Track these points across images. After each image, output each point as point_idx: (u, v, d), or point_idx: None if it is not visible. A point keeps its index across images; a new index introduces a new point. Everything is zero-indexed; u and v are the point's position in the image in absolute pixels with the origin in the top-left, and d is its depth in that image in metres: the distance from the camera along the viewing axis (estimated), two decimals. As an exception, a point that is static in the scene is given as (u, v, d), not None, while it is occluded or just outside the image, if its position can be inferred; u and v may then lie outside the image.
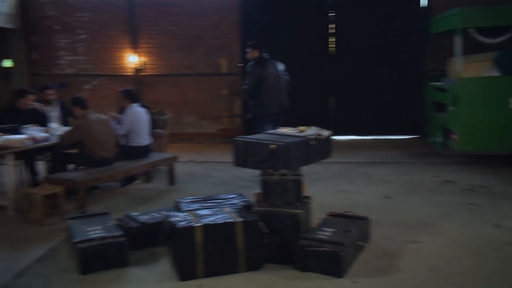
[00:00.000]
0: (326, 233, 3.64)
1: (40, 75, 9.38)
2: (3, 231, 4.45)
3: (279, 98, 6.16)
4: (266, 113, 6.11)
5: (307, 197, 4.03)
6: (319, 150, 4.13)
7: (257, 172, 4.07)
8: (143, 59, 9.27)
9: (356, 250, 3.70)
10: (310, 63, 9.11)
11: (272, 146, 3.73)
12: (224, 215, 3.61)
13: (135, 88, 7.04)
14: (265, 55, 6.18)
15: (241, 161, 4.01)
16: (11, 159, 4.99)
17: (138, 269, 3.64)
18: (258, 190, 4.10)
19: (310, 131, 4.24)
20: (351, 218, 4.09)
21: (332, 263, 3.38)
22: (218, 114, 9.30)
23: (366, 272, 3.48)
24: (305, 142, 3.96)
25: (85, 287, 3.35)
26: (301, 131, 4.24)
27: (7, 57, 9.17)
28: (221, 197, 4.42)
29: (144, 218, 4.12)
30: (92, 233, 3.73)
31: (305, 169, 4.06)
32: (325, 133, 4.22)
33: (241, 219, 3.52)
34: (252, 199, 4.43)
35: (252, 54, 6.15)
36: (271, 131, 4.31)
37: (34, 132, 5.31)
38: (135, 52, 9.22)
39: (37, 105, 5.99)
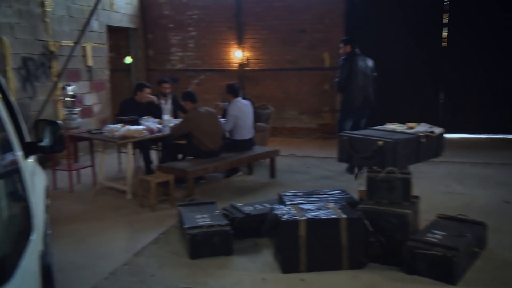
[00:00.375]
0: (437, 236, 3.43)
1: (154, 70, 10.14)
2: (123, 213, 4.91)
3: (365, 92, 6.33)
4: (351, 107, 6.33)
5: (416, 197, 3.84)
6: (429, 148, 3.92)
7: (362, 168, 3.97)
8: (247, 54, 9.54)
9: (471, 256, 3.45)
10: (419, 56, 8.62)
11: (379, 142, 3.62)
12: (328, 210, 3.59)
13: (238, 83, 7.26)
14: (357, 50, 6.41)
15: (345, 157, 3.95)
16: (130, 148, 5.47)
17: (242, 258, 3.77)
18: (362, 187, 4.00)
19: (420, 127, 4.03)
20: (464, 222, 3.81)
21: (444, 269, 3.19)
22: (319, 109, 9.24)
23: (483, 282, 3.23)
24: (415, 139, 3.77)
25: (194, 270, 3.56)
26: (410, 128, 4.05)
27: (128, 55, 10.04)
28: (324, 192, 4.40)
29: (248, 209, 4.25)
30: (200, 220, 3.95)
31: (412, 168, 3.86)
32: (437, 130, 3.98)
33: (345, 216, 3.47)
34: (355, 196, 4.35)
35: (344, 49, 6.45)
36: (378, 127, 4.17)
37: (150, 123, 5.76)
38: (240, 48, 9.51)
39: (154, 98, 6.48)
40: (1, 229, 1.27)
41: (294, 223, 3.42)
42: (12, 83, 6.25)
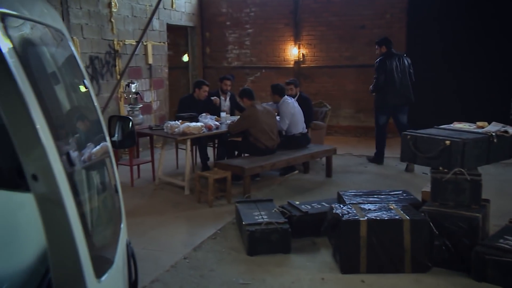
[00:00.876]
0: (510, 242, 3.24)
1: (211, 68, 10.33)
2: (182, 209, 5.05)
3: (402, 90, 6.58)
4: (386, 104, 6.64)
5: (486, 200, 3.65)
6: (501, 149, 3.71)
7: (425, 169, 3.83)
8: (303, 51, 9.48)
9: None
10: (490, 51, 8.15)
11: (446, 142, 3.48)
12: (390, 211, 3.50)
13: (297, 79, 7.26)
14: (393, 50, 6.71)
15: (409, 157, 3.83)
16: (188, 144, 5.61)
17: (299, 257, 3.77)
18: (426, 188, 3.86)
19: (492, 127, 3.82)
20: (540, 229, 3.57)
21: (518, 277, 3.01)
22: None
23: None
24: (485, 139, 3.59)
25: (252, 267, 3.60)
26: (480, 127, 3.85)
27: (186, 53, 10.31)
28: (386, 193, 4.29)
29: (306, 207, 4.24)
30: (258, 217, 3.98)
31: (480, 169, 3.67)
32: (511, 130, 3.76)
33: (409, 217, 3.37)
34: (418, 197, 4.20)
35: (380, 50, 6.76)
36: (444, 126, 4.01)
37: (208, 120, 5.88)
38: (296, 44, 9.48)
39: (216, 100, 6.59)
40: (106, 217, 1.35)
41: (355, 223, 3.37)
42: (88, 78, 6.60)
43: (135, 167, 6.08)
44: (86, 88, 1.48)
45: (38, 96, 0.91)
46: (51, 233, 0.85)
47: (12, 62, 0.87)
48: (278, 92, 6.23)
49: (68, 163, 0.96)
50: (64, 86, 1.24)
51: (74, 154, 1.09)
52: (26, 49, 1.01)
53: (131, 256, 1.62)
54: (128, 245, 1.63)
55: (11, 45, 0.89)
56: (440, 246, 3.38)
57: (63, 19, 6.18)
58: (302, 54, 9.48)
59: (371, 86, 6.84)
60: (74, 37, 6.43)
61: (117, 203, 1.58)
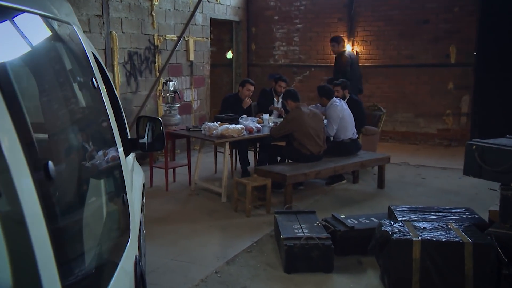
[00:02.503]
0: None
1: (256, 65, 10.30)
2: (216, 217, 5.01)
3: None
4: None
5: None
6: None
7: (494, 184, 3.57)
8: (357, 48, 9.24)
9: None
10: None
11: (519, 154, 3.21)
12: (449, 232, 3.28)
13: (342, 81, 7.05)
14: None
15: (473, 170, 3.58)
16: (227, 148, 5.57)
17: (343, 277, 3.61)
18: (494, 207, 3.59)
19: None
20: None
21: None
22: (440, 111, 8.62)
23: None
24: None
25: (289, 286, 3.49)
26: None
27: (230, 49, 10.35)
28: (445, 210, 4.04)
29: (352, 222, 4.07)
30: (298, 231, 3.86)
31: None
32: None
33: (471, 240, 3.13)
34: (484, 216, 3.92)
35: (338, 48, 7.42)
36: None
37: (249, 122, 5.82)
38: (350, 41, 9.25)
39: (248, 102, 6.53)
40: (101, 235, 1.29)
41: (406, 243, 3.18)
42: (118, 78, 6.75)
43: (170, 171, 6.12)
44: (94, 87, 1.43)
45: (8, 98, 0.84)
46: (14, 259, 0.78)
47: None
48: (325, 94, 6.08)
49: (45, 176, 0.89)
50: (58, 86, 1.18)
51: (61, 166, 1.02)
52: (5, 44, 0.95)
53: (139, 275, 1.55)
54: (138, 263, 1.56)
55: None
56: (509, 275, 3.11)
57: (102, 13, 6.35)
58: (356, 51, 9.23)
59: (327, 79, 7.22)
60: (113, 32, 6.58)
61: (123, 217, 1.52)
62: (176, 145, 6.66)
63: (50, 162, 0.90)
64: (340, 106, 6.00)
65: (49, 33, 1.17)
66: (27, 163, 0.84)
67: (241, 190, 5.19)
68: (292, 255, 3.65)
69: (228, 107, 6.33)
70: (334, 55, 7.67)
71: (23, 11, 1.05)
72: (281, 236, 3.79)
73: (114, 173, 1.52)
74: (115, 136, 1.54)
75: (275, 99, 6.85)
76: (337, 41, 7.52)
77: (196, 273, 3.69)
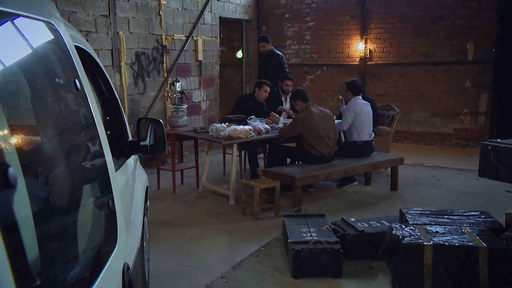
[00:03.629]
0: None
1: (266, 65, 10.25)
2: (224, 220, 4.99)
3: None
4: None
5: None
6: None
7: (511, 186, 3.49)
8: (370, 46, 9.16)
9: None
10: None
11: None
12: (463, 236, 3.21)
13: (360, 80, 6.99)
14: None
15: (489, 171, 3.51)
16: (235, 149, 5.55)
17: (352, 283, 3.56)
18: (511, 210, 3.51)
19: None
20: None
21: None
22: (457, 110, 8.49)
23: None
24: None
25: (296, 291, 3.44)
26: None
27: (240, 48, 10.33)
28: (459, 213, 3.96)
29: (362, 225, 4.02)
30: (307, 235, 3.82)
31: None
32: None
33: (486, 245, 3.06)
34: (502, 220, 3.84)
35: (267, 47, 7.35)
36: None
37: (258, 123, 5.79)
38: (363, 39, 9.17)
39: (285, 109, 6.51)
40: (79, 239, 1.27)
41: (417, 248, 3.12)
42: (125, 79, 6.77)
43: (178, 173, 6.11)
44: (77, 89, 1.40)
45: None
46: None
47: None
48: (352, 88, 6.03)
49: (4, 182, 0.86)
50: (34, 89, 1.15)
51: (28, 171, 0.99)
52: None
53: (127, 284, 1.52)
54: (126, 271, 1.54)
55: None
56: (525, 282, 3.03)
57: (109, 13, 6.38)
58: (369, 50, 9.16)
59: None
60: (120, 32, 6.61)
61: (109, 224, 1.49)
62: (183, 147, 6.66)
63: (10, 169, 0.88)
64: (361, 103, 5.95)
65: (24, 32, 1.15)
66: None
67: (249, 193, 5.16)
68: (300, 260, 3.61)
69: (243, 107, 6.34)
70: (264, 54, 7.47)
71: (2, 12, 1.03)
72: (289, 240, 3.76)
73: (99, 179, 1.49)
74: (101, 140, 1.52)
75: (282, 98, 6.81)
76: (267, 41, 7.42)
77: (201, 278, 3.67)
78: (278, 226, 4.64)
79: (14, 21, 1.11)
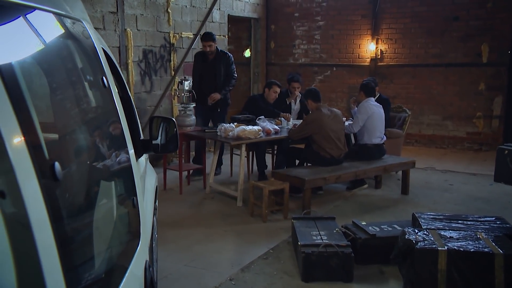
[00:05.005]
0: None
1: (275, 64, 10.29)
2: (232, 222, 5.01)
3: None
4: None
5: None
6: None
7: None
8: (382, 47, 9.16)
9: None
10: None
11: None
12: (478, 242, 3.22)
13: (376, 80, 6.99)
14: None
15: (505, 176, 3.53)
16: (243, 150, 5.57)
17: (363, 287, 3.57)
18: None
19: None
20: None
21: None
22: (470, 113, 8.48)
23: None
24: None
25: (306, 295, 3.46)
26: None
27: (248, 47, 10.35)
28: (473, 218, 3.96)
29: (373, 229, 4.03)
30: (317, 238, 3.83)
31: None
32: None
33: (502, 251, 3.06)
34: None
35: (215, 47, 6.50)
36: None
37: (267, 124, 5.82)
38: (374, 39, 9.17)
39: (287, 116, 6.51)
40: (109, 239, 1.30)
41: (431, 253, 3.13)
42: (132, 77, 6.81)
43: (184, 173, 6.14)
44: (105, 86, 1.44)
45: (13, 96, 0.85)
46: (19, 262, 0.79)
47: None
48: (365, 89, 6.03)
49: (51, 177, 0.90)
50: (66, 84, 1.19)
51: (69, 166, 1.03)
52: (9, 39, 0.97)
53: (149, 282, 1.55)
54: (148, 269, 1.57)
55: None
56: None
57: (117, 9, 6.42)
58: (380, 50, 9.16)
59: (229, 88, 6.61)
60: (128, 29, 6.65)
61: (133, 221, 1.53)
62: (191, 146, 6.69)
63: (56, 163, 0.91)
64: (373, 105, 5.96)
65: (59, 30, 1.18)
66: (33, 164, 0.85)
67: (258, 194, 5.18)
68: (310, 263, 3.62)
69: (253, 107, 6.37)
70: (212, 54, 6.51)
71: (34, 8, 1.06)
72: (299, 243, 3.77)
73: (124, 175, 1.53)
74: (126, 137, 1.55)
75: (288, 101, 6.82)
76: (214, 39, 6.52)
77: (210, 280, 3.69)
78: (286, 228, 4.66)
79: (49, 18, 1.14)
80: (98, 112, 1.41)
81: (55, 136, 1.01)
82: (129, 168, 1.53)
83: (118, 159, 1.48)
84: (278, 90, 6.54)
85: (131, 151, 1.59)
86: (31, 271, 0.81)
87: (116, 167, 1.47)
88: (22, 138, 0.84)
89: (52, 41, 1.16)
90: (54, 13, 1.16)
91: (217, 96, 6.36)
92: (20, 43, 1.01)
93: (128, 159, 1.54)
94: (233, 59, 6.73)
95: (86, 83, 1.33)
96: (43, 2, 1.10)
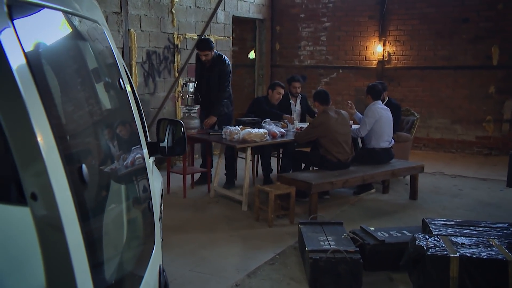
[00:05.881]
0: None
1: (280, 66, 10.29)
2: (237, 226, 5.00)
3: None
4: None
5: None
6: None
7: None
8: (389, 49, 9.16)
9: None
10: None
11: None
12: (490, 249, 3.20)
13: (384, 83, 6.98)
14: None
15: (517, 181, 3.49)
16: (249, 153, 5.57)
17: (372, 295, 3.56)
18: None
19: None
20: None
21: None
22: (480, 117, 8.46)
23: None
24: None
25: (314, 302, 3.45)
26: None
27: (252, 49, 10.37)
28: (486, 224, 3.95)
29: (382, 235, 4.02)
30: (324, 243, 3.82)
31: None
32: None
33: (515, 259, 3.05)
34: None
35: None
36: None
37: (273, 127, 5.81)
38: (381, 41, 9.17)
39: (289, 117, 6.51)
40: (129, 242, 1.31)
41: (443, 260, 3.12)
42: (135, 78, 6.83)
43: (188, 176, 6.15)
44: (122, 88, 1.45)
45: (45, 99, 0.87)
46: (49, 264, 0.81)
47: (14, 59, 0.84)
48: (372, 92, 6.02)
49: (79, 180, 0.92)
50: (89, 87, 1.21)
51: (92, 169, 1.04)
52: (35, 42, 0.98)
53: (163, 286, 1.55)
54: (161, 273, 1.57)
55: (15, 38, 0.86)
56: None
57: (120, 10, 6.44)
58: (388, 52, 9.16)
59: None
60: (131, 30, 6.67)
61: (149, 224, 1.54)
62: (194, 149, 6.69)
63: (84, 166, 0.93)
64: (381, 108, 5.95)
65: (81, 33, 1.19)
66: (63, 167, 0.86)
67: (263, 199, 5.18)
68: (318, 269, 3.61)
69: (258, 110, 6.37)
70: (209, 62, 6.15)
71: (58, 10, 1.07)
72: (306, 249, 3.76)
73: (141, 178, 1.54)
74: (140, 139, 1.57)
75: (292, 101, 6.82)
76: (211, 47, 6.15)
77: (216, 285, 3.69)
78: (293, 233, 4.65)
79: (69, 19, 1.15)
80: (116, 114, 1.42)
81: (80, 139, 1.02)
82: (145, 171, 1.54)
83: (135, 162, 1.49)
84: (281, 91, 6.54)
85: (146, 154, 1.60)
86: (62, 272, 0.82)
87: (134, 170, 1.48)
88: (54, 141, 0.86)
89: (77, 45, 1.18)
90: (76, 15, 1.17)
91: (212, 120, 6.13)
92: (46, 46, 1.02)
93: (144, 162, 1.55)
94: (230, 67, 6.37)
95: (106, 86, 1.34)
96: (65, 4, 1.11)
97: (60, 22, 1.10)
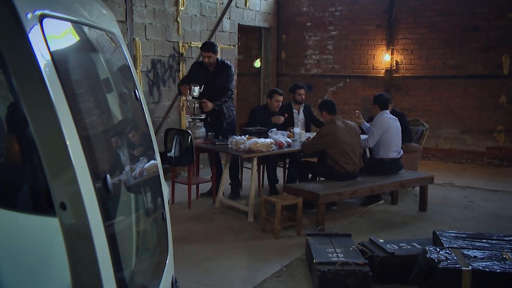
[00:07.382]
0: None
1: (285, 75, 10.33)
2: (243, 238, 5.00)
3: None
4: None
5: None
6: None
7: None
8: (397, 57, 9.19)
9: None
10: None
11: None
12: (503, 262, 3.19)
13: (389, 94, 7.00)
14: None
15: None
16: (255, 163, 5.58)
17: (382, 309, 3.55)
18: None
19: None
20: None
21: None
22: (490, 127, 8.45)
23: None
24: None
25: (322, 316, 3.44)
26: None
27: (258, 57, 10.42)
28: (499, 237, 3.94)
29: (392, 247, 4.01)
30: (333, 255, 3.82)
31: None
32: None
33: (529, 272, 3.04)
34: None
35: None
36: None
37: (279, 136, 5.83)
38: (389, 50, 9.21)
39: (280, 119, 6.51)
40: (147, 251, 1.33)
41: (455, 273, 3.11)
42: (140, 87, 6.87)
43: (193, 187, 6.16)
44: (137, 99, 1.48)
45: (74, 110, 0.90)
46: (76, 272, 0.83)
47: (47, 70, 0.87)
48: (379, 102, 6.05)
49: (104, 189, 0.95)
50: (111, 98, 1.25)
51: (114, 179, 1.07)
52: (66, 56, 1.01)
53: None
54: (174, 284, 1.59)
55: (47, 52, 0.89)
56: None
57: (126, 18, 6.51)
58: (396, 61, 9.19)
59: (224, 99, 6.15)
60: (136, 38, 6.73)
61: (163, 234, 1.56)
62: (200, 159, 6.71)
63: (108, 176, 0.96)
64: (389, 118, 5.96)
65: (102, 45, 1.23)
66: (91, 177, 0.89)
67: (269, 209, 5.18)
68: (326, 282, 3.60)
69: (256, 120, 6.37)
70: (211, 66, 6.13)
71: (83, 25, 1.11)
72: (314, 261, 3.76)
73: (156, 188, 1.56)
74: (155, 149, 1.59)
75: (294, 110, 6.82)
76: (215, 50, 6.14)
77: (221, 298, 3.68)
78: (300, 245, 4.64)
79: (92, 33, 1.18)
80: (134, 125, 1.45)
81: (103, 148, 1.05)
82: (159, 180, 1.57)
83: (151, 171, 1.51)
84: (280, 98, 6.51)
85: (160, 164, 1.63)
86: (90, 281, 0.84)
87: (150, 179, 1.50)
88: (82, 151, 0.88)
89: (98, 56, 1.21)
90: (96, 27, 1.20)
91: (210, 105, 5.95)
92: (74, 58, 1.06)
93: (158, 172, 1.57)
94: (233, 71, 6.39)
95: (124, 96, 1.38)
96: (88, 19, 1.14)
97: (85, 35, 1.13)
